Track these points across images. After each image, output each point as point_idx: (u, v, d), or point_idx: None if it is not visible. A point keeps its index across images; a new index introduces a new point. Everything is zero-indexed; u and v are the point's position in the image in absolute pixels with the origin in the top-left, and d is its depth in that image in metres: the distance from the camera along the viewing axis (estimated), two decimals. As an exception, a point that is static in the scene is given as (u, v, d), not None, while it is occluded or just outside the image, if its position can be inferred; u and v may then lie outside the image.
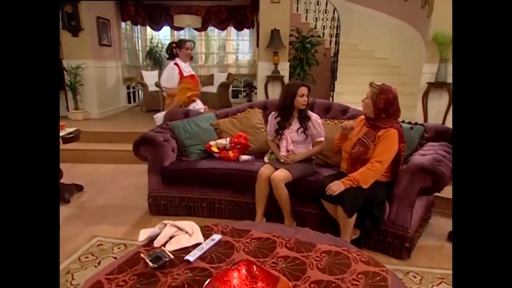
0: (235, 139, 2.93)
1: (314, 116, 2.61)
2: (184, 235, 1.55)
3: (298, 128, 2.58)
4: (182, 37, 8.26)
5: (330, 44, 6.09)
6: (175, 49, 3.40)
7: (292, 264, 1.38)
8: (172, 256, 1.36)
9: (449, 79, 3.82)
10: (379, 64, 6.05)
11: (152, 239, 1.54)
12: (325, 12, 6.09)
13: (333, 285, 1.26)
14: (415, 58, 5.16)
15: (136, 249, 1.50)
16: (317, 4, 6.05)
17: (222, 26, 7.48)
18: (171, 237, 1.54)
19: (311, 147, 2.65)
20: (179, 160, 2.95)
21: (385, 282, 1.28)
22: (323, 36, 6.11)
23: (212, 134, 3.08)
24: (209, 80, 7.27)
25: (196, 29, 7.58)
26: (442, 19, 3.72)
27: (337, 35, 5.64)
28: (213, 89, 6.62)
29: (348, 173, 2.24)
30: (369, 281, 1.28)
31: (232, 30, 7.84)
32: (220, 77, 7.17)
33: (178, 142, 2.98)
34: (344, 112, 3.00)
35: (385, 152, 2.18)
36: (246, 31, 7.78)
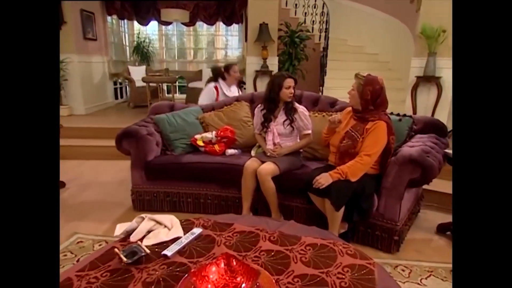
0: (221, 133, 2.86)
1: (300, 108, 2.55)
2: (162, 229, 1.47)
3: (284, 121, 2.51)
4: (170, 35, 8.15)
5: (319, 39, 6.05)
6: (224, 73, 3.64)
7: (275, 257, 1.32)
8: (148, 251, 1.29)
9: (438, 73, 3.81)
10: (368, 59, 6.04)
11: (129, 234, 1.46)
12: (314, 7, 6.04)
13: (318, 279, 1.20)
14: (404, 54, 5.14)
15: (111, 244, 1.41)
16: (306, -1, 6.00)
17: (210, 21, 7.37)
18: (149, 231, 1.47)
19: (298, 140, 2.60)
20: (164, 154, 2.86)
21: (371, 275, 1.23)
22: (312, 31, 6.07)
23: (197, 128, 3.00)
24: (197, 75, 7.15)
25: (184, 24, 7.45)
26: (431, 13, 3.71)
27: (327, 30, 5.59)
28: (201, 84, 6.48)
29: (337, 166, 2.18)
30: (355, 274, 1.23)
31: (221, 25, 7.74)
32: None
33: (162, 136, 2.89)
34: (332, 104, 2.95)
35: (374, 145, 2.13)
36: (235, 26, 7.69)
